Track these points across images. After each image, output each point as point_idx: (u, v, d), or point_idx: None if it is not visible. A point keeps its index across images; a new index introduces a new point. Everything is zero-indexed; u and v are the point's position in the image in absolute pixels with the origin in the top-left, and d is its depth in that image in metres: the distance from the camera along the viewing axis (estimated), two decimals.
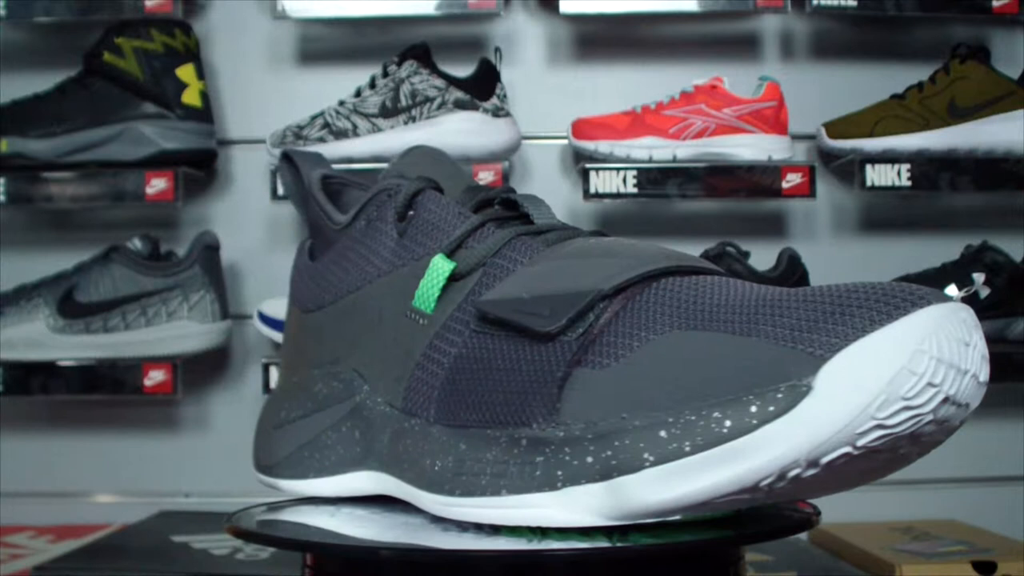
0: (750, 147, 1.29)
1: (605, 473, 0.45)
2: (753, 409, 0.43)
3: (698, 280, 0.49)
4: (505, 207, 0.57)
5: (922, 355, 0.42)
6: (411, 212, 0.58)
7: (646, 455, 0.44)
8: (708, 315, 0.46)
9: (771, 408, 0.43)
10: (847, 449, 0.43)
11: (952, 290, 1.30)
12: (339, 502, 0.59)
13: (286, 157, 0.70)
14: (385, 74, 1.29)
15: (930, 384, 0.42)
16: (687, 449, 0.44)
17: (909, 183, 1.28)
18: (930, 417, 0.43)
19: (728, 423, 0.43)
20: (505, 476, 0.48)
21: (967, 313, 0.44)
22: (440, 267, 0.53)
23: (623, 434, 0.45)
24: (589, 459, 0.46)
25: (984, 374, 0.44)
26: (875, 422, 0.43)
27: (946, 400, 0.43)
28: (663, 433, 0.44)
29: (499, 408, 0.49)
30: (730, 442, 0.43)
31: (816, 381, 0.43)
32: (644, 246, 0.52)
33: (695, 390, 0.44)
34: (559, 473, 0.46)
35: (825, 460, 0.43)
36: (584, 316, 0.48)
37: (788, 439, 0.43)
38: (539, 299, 0.49)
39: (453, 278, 0.53)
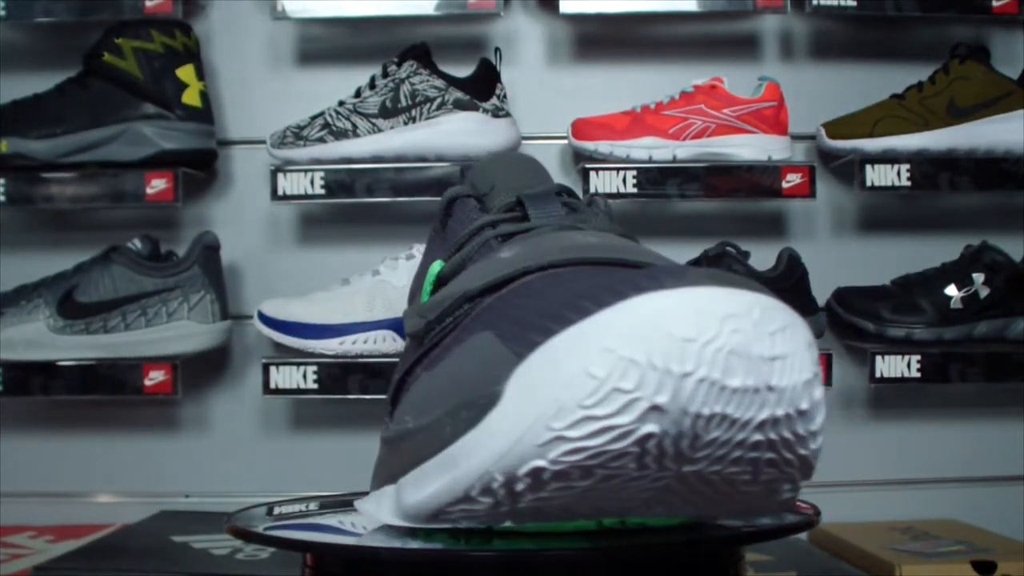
0: (750, 147, 1.29)
1: (397, 474, 0.45)
2: (463, 415, 0.40)
3: (553, 274, 0.45)
4: (516, 208, 0.57)
5: (607, 356, 0.36)
6: (449, 218, 0.59)
7: (411, 458, 0.44)
8: (507, 313, 0.43)
9: (473, 414, 0.40)
10: (539, 463, 0.38)
11: (952, 290, 1.30)
12: (339, 502, 0.59)
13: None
14: (385, 74, 1.29)
15: (617, 390, 0.36)
16: (427, 453, 0.42)
17: (909, 183, 1.28)
18: (645, 429, 0.36)
19: (448, 429, 0.41)
20: (374, 476, 0.50)
21: (709, 301, 0.36)
22: (433, 270, 0.54)
23: (407, 436, 0.45)
24: (395, 460, 0.46)
25: (737, 377, 0.36)
26: (553, 433, 0.37)
27: (656, 409, 0.36)
28: (421, 437, 0.43)
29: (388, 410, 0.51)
30: (446, 449, 0.41)
31: (507, 386, 0.39)
32: (571, 240, 0.49)
33: (453, 394, 0.42)
34: (381, 472, 0.48)
35: (523, 473, 0.38)
36: (443, 319, 0.47)
37: (480, 449, 0.39)
38: (431, 303, 0.49)
39: (442, 281, 0.53)
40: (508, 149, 1.29)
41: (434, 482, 0.42)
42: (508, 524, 0.43)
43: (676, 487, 0.40)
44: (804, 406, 0.38)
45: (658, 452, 0.38)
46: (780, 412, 0.37)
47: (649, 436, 0.37)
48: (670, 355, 0.35)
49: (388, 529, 0.48)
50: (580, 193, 1.26)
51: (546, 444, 0.37)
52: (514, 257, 0.47)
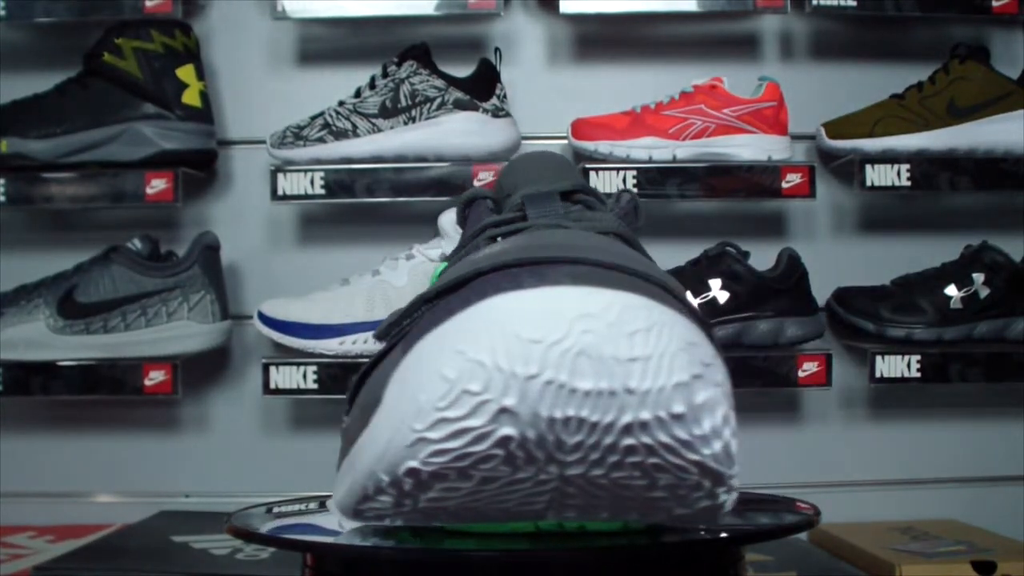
0: (750, 147, 1.29)
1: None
2: (364, 416, 0.41)
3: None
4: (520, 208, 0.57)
5: (458, 358, 0.36)
6: (466, 220, 0.59)
7: (339, 457, 0.45)
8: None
9: (367, 416, 0.40)
10: (412, 464, 0.38)
11: (952, 290, 1.30)
12: None
13: None
14: (385, 74, 1.29)
15: (467, 392, 0.36)
16: (343, 452, 0.44)
17: (909, 183, 1.28)
18: (502, 432, 0.36)
19: (355, 430, 0.42)
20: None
21: (562, 301, 0.35)
22: (436, 272, 0.54)
23: (343, 435, 0.46)
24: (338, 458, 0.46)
25: (587, 379, 0.35)
26: (416, 435, 0.37)
27: (506, 411, 0.35)
28: (344, 437, 0.44)
29: None
30: (351, 449, 0.42)
31: (387, 388, 0.39)
32: (538, 240, 0.48)
33: (367, 395, 0.42)
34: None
35: (402, 473, 0.38)
36: (401, 322, 0.46)
37: (366, 450, 0.39)
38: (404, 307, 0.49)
39: None
40: (508, 149, 1.29)
41: (345, 481, 0.42)
42: (445, 523, 0.43)
43: (569, 490, 0.39)
44: (678, 409, 0.36)
45: (525, 455, 0.37)
46: (646, 416, 0.36)
47: (507, 439, 0.36)
48: (515, 357, 0.35)
49: (388, 529, 0.48)
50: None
51: (413, 445, 0.37)
52: (480, 258, 0.47)
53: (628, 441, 0.36)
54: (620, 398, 0.35)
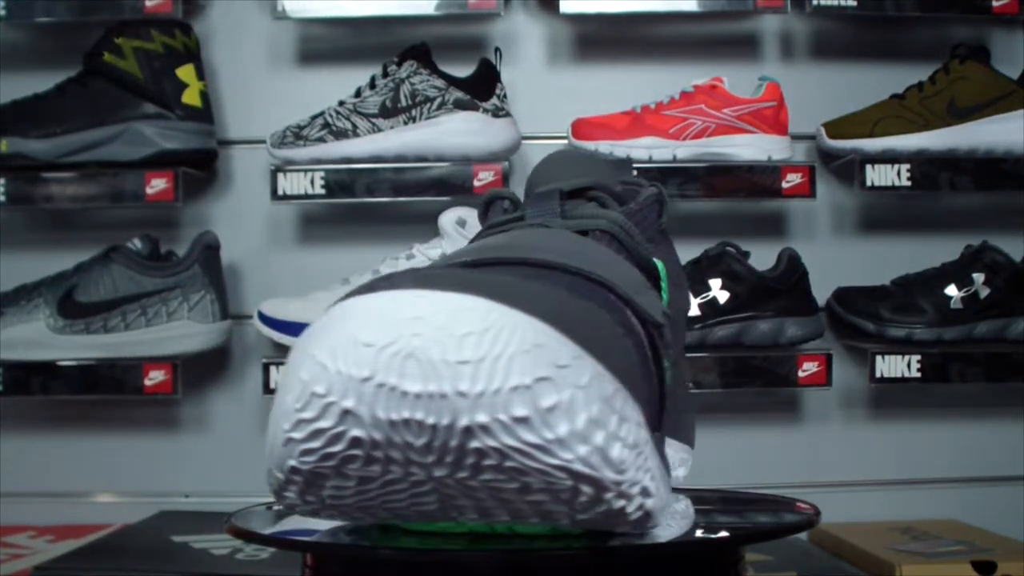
0: (750, 147, 1.29)
1: None
2: None
3: None
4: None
5: (310, 360, 0.37)
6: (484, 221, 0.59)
7: None
8: None
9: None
10: (292, 462, 0.39)
11: (952, 290, 1.30)
12: None
13: None
14: (385, 74, 1.29)
15: (315, 394, 0.37)
16: None
17: (909, 183, 1.28)
18: (352, 433, 0.36)
19: None
20: None
21: (396, 305, 0.36)
22: None
23: None
24: None
25: (416, 382, 0.35)
26: (285, 435, 0.38)
27: (349, 413, 0.36)
28: None
29: None
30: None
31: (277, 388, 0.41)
32: (500, 240, 0.49)
33: None
34: None
35: (287, 470, 0.39)
36: None
37: (265, 446, 0.41)
38: None
39: None
40: (508, 149, 1.29)
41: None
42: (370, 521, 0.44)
43: (449, 492, 0.40)
44: (519, 413, 0.35)
45: (384, 456, 0.38)
46: (482, 419, 0.36)
47: (358, 440, 0.37)
48: (350, 360, 0.36)
49: (388, 529, 0.48)
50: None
51: (286, 445, 0.39)
52: (448, 258, 0.48)
53: (474, 444, 0.36)
54: (452, 401, 0.35)
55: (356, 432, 0.37)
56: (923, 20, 1.40)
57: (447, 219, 1.24)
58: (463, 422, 0.36)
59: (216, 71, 1.40)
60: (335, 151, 1.26)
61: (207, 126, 1.31)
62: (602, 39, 1.42)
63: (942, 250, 1.35)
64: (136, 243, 1.29)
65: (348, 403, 0.36)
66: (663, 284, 0.53)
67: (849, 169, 1.32)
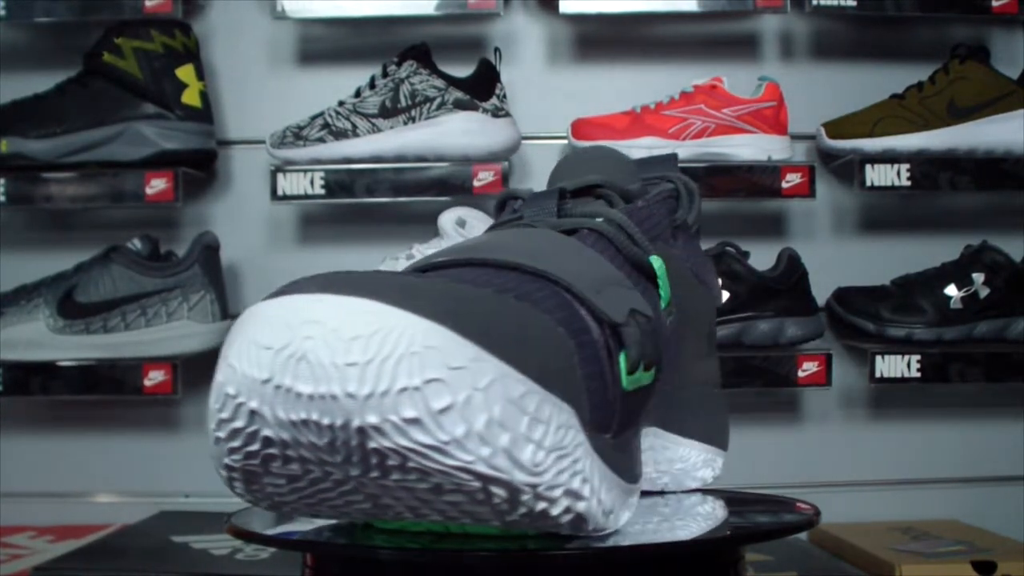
0: (750, 147, 1.29)
1: None
2: None
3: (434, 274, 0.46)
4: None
5: (224, 362, 0.38)
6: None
7: None
8: None
9: None
10: (226, 460, 0.40)
11: (952, 290, 1.30)
12: None
13: None
14: (385, 74, 1.29)
15: (228, 395, 0.38)
16: None
17: (909, 183, 1.28)
18: (264, 433, 0.37)
19: None
20: None
21: (293, 308, 0.37)
22: None
23: None
24: None
25: (308, 384, 0.36)
26: (213, 434, 0.39)
27: (256, 414, 0.37)
28: None
29: None
30: None
31: None
32: (477, 240, 0.50)
33: None
34: None
35: (224, 468, 0.40)
36: None
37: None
38: None
39: None
40: (508, 149, 1.29)
41: None
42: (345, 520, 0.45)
43: (371, 491, 0.40)
44: (409, 414, 0.36)
45: (298, 455, 0.38)
46: (373, 420, 0.36)
47: (270, 440, 0.38)
48: (252, 362, 0.37)
49: (387, 529, 0.48)
50: None
51: (216, 444, 0.40)
52: (426, 258, 0.48)
53: (372, 444, 0.37)
54: (342, 402, 0.36)
55: (266, 432, 0.38)
56: (923, 20, 1.40)
57: (447, 219, 1.24)
58: (356, 423, 0.36)
59: (216, 71, 1.40)
60: (335, 151, 1.26)
61: (207, 126, 1.31)
62: (602, 39, 1.42)
63: (942, 250, 1.35)
64: (136, 243, 1.29)
65: (253, 404, 0.37)
66: (661, 282, 0.53)
67: (849, 169, 1.32)
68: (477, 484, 0.38)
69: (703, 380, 0.61)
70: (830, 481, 1.39)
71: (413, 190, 1.26)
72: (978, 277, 1.30)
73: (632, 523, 0.51)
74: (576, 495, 0.41)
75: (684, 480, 0.60)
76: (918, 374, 1.26)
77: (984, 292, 1.29)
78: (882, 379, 1.26)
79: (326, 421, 0.36)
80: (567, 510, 0.41)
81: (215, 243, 1.30)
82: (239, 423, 0.38)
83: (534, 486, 0.39)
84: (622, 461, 0.46)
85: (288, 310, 0.37)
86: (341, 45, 1.42)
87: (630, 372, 0.46)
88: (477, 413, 0.37)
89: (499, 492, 0.39)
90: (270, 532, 0.51)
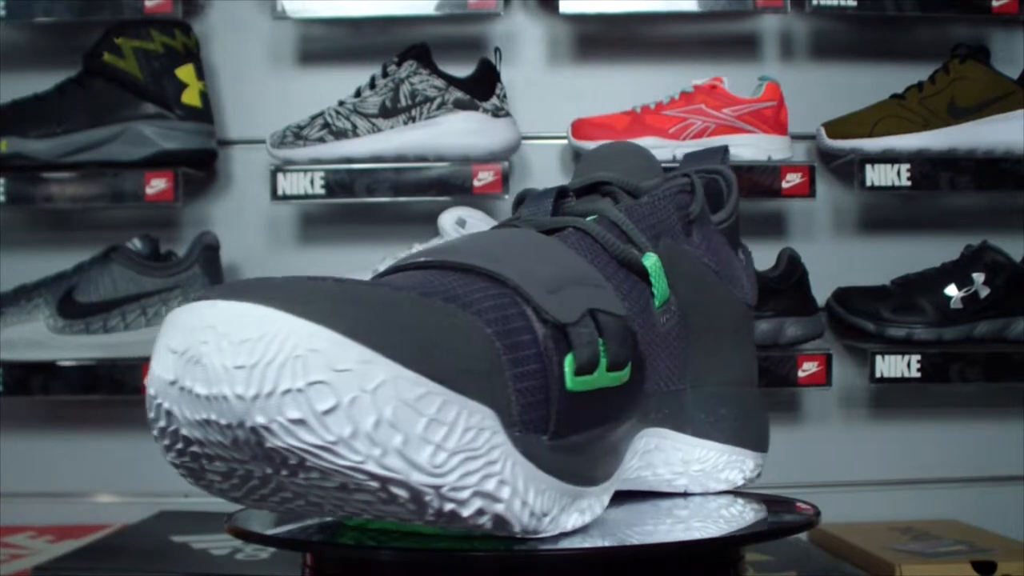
0: (750, 147, 1.29)
1: None
2: None
3: (407, 274, 0.47)
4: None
5: (151, 363, 0.40)
6: None
7: None
8: None
9: None
10: (168, 456, 0.42)
11: (952, 290, 1.30)
12: None
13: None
14: (385, 74, 1.29)
15: (150, 395, 0.40)
16: None
17: (909, 183, 1.28)
18: (183, 432, 0.39)
19: None
20: None
21: (195, 314, 0.38)
22: None
23: None
24: None
25: (203, 385, 0.38)
26: (153, 433, 0.41)
27: (170, 414, 0.39)
28: None
29: None
30: None
31: None
32: (451, 243, 0.50)
33: None
34: None
35: (169, 461, 0.42)
36: None
37: None
38: None
39: None
40: (508, 149, 1.29)
41: None
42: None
43: (296, 490, 0.41)
44: (294, 415, 0.37)
45: (215, 454, 0.40)
46: (261, 421, 0.37)
47: (187, 438, 0.40)
48: (164, 365, 0.39)
49: (387, 529, 0.48)
50: None
51: (157, 441, 0.41)
52: (403, 259, 0.50)
53: (268, 444, 0.38)
54: (233, 403, 0.37)
55: (184, 431, 0.39)
56: (923, 20, 1.40)
57: (447, 219, 1.24)
58: (249, 423, 0.37)
59: (216, 71, 1.40)
60: (335, 151, 1.26)
61: (207, 126, 1.31)
62: (602, 39, 1.42)
63: (942, 250, 1.35)
64: (136, 243, 1.29)
65: (167, 404, 0.39)
66: (654, 280, 0.53)
67: (849, 169, 1.32)
68: (375, 484, 0.39)
69: (726, 379, 0.60)
70: (830, 481, 1.39)
71: (413, 190, 1.26)
72: (978, 277, 1.30)
73: (641, 524, 0.51)
74: (491, 497, 0.41)
75: (707, 482, 0.59)
76: (918, 374, 1.26)
77: (984, 292, 1.29)
78: (882, 379, 1.26)
79: (224, 421, 0.38)
80: (480, 512, 0.41)
81: (215, 243, 1.30)
82: (162, 423, 0.40)
83: (436, 487, 0.40)
84: (566, 463, 0.46)
85: (192, 315, 0.38)
86: (341, 45, 1.42)
87: (578, 373, 0.45)
88: (364, 414, 0.37)
89: (400, 492, 0.39)
90: (270, 532, 0.51)
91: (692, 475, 0.58)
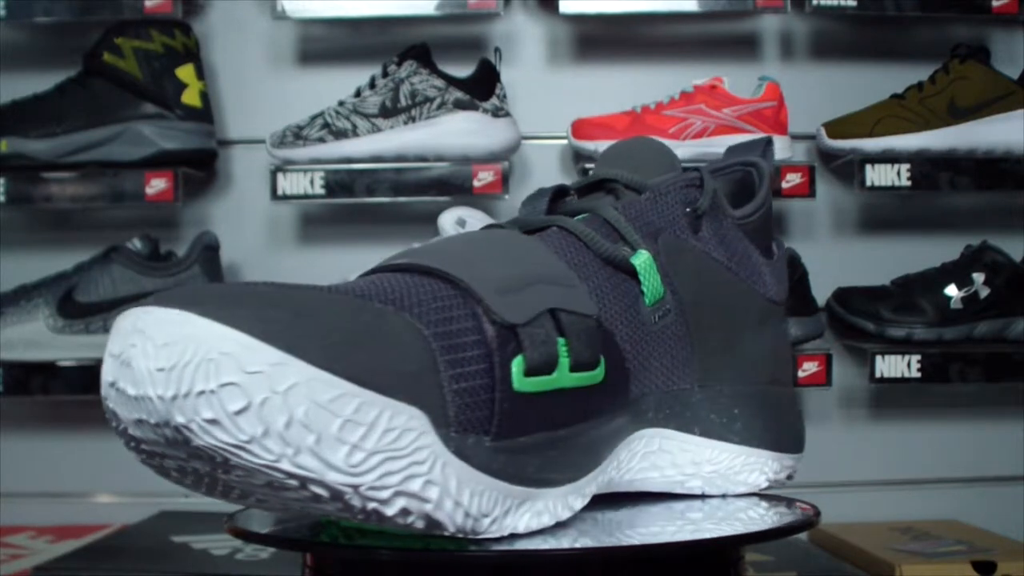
0: None
1: None
2: None
3: (376, 277, 0.48)
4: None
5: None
6: None
7: None
8: None
9: None
10: (133, 455, 0.43)
11: (952, 290, 1.30)
12: None
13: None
14: (385, 74, 1.29)
15: (102, 397, 0.42)
16: None
17: (909, 183, 1.28)
18: (130, 431, 0.41)
19: None
20: None
21: (130, 319, 0.41)
22: None
23: None
24: None
25: (132, 386, 0.40)
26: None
27: (115, 414, 0.41)
28: None
29: None
30: None
31: None
32: (429, 244, 0.51)
33: None
34: None
35: (137, 459, 0.44)
36: None
37: None
38: None
39: None
40: (508, 149, 1.29)
41: None
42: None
43: (240, 488, 0.43)
44: (207, 415, 0.38)
45: (160, 452, 0.41)
46: (180, 420, 0.39)
47: (133, 437, 0.42)
48: (106, 368, 0.41)
49: (387, 529, 0.48)
50: None
51: (120, 439, 0.43)
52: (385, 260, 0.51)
53: (194, 442, 0.39)
54: (156, 404, 0.39)
55: (130, 430, 0.41)
56: (923, 20, 1.40)
57: (447, 219, 1.24)
58: (173, 422, 0.39)
59: (216, 71, 1.40)
60: (335, 151, 1.26)
61: (207, 126, 1.31)
62: (602, 39, 1.42)
63: (942, 250, 1.35)
64: (136, 243, 1.29)
65: (111, 405, 0.41)
66: (643, 278, 0.52)
67: (849, 169, 1.32)
68: (295, 482, 0.40)
69: (741, 378, 0.58)
70: (830, 481, 1.39)
71: (413, 190, 1.26)
72: (978, 277, 1.30)
73: (648, 525, 0.50)
74: (416, 497, 0.42)
75: (724, 484, 0.57)
76: (918, 374, 1.26)
77: (984, 292, 1.29)
78: (882, 379, 1.26)
79: (152, 420, 0.40)
80: (405, 511, 0.42)
81: (215, 243, 1.30)
82: (113, 423, 0.42)
83: (355, 486, 0.40)
84: (513, 464, 0.45)
85: (128, 321, 0.41)
86: (341, 45, 1.42)
87: (529, 373, 0.45)
88: (275, 415, 0.39)
89: (320, 491, 0.40)
90: (270, 532, 0.51)
91: (706, 476, 0.57)
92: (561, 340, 0.46)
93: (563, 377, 0.46)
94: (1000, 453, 1.41)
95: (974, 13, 1.31)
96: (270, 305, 0.40)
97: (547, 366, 0.46)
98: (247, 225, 1.40)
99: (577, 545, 0.46)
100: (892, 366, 1.26)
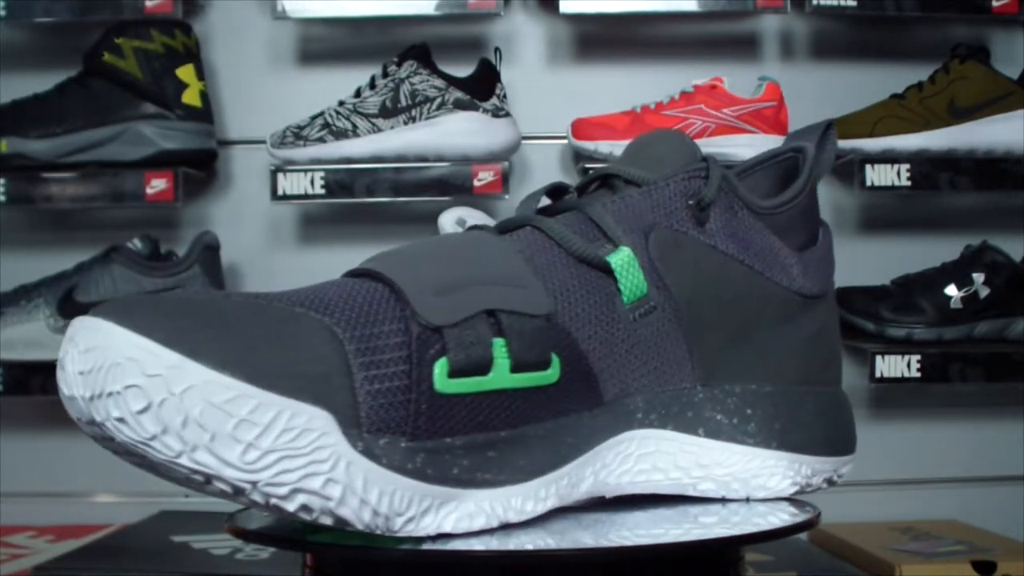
0: (750, 147, 1.29)
1: None
2: None
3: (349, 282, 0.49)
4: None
5: None
6: None
7: None
8: None
9: None
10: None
11: (952, 290, 1.30)
12: None
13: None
14: (385, 74, 1.29)
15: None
16: None
17: (909, 183, 1.28)
18: (85, 430, 0.44)
19: None
20: None
21: (70, 327, 0.43)
22: None
23: None
24: None
25: (66, 388, 0.43)
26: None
27: (80, 419, 0.44)
28: None
29: None
30: None
31: None
32: (406, 247, 0.52)
33: None
34: None
35: (99, 444, 0.45)
36: None
37: None
38: None
39: None
40: (508, 149, 1.29)
41: None
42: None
43: (180, 480, 0.45)
44: (116, 414, 0.42)
45: (113, 448, 0.44)
46: (99, 418, 0.42)
47: (94, 438, 0.44)
48: (58, 370, 0.44)
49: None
50: None
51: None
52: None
53: (117, 438, 0.42)
54: (80, 403, 0.42)
55: (87, 429, 0.44)
56: (923, 20, 1.40)
57: (447, 219, 1.24)
58: (94, 420, 0.42)
59: (216, 71, 1.40)
60: (335, 151, 1.26)
61: (207, 126, 1.31)
62: (602, 39, 1.42)
63: (942, 250, 1.35)
64: (136, 243, 1.29)
65: (64, 403, 0.44)
66: (619, 276, 0.51)
67: (849, 169, 1.32)
68: (200, 478, 0.43)
69: (757, 377, 0.56)
70: None
71: (413, 190, 1.26)
72: (978, 277, 1.30)
73: (652, 527, 0.50)
74: (316, 494, 0.43)
75: (742, 488, 0.55)
76: (918, 374, 1.26)
77: (984, 292, 1.29)
78: (882, 379, 1.26)
79: (83, 419, 0.43)
80: (306, 507, 0.43)
81: (215, 243, 1.30)
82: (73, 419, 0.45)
83: (252, 483, 0.43)
84: (434, 464, 0.45)
85: (70, 329, 0.44)
86: (341, 45, 1.42)
87: (454, 375, 0.45)
88: (173, 414, 0.41)
89: (222, 486, 0.43)
90: (270, 532, 0.51)
91: (718, 479, 0.54)
92: (500, 341, 0.46)
93: (500, 378, 0.46)
94: (1000, 453, 1.41)
95: (974, 13, 1.31)
96: (186, 314, 0.43)
97: (477, 367, 0.46)
98: (247, 225, 1.40)
99: (577, 545, 0.46)
100: (892, 366, 1.26)
